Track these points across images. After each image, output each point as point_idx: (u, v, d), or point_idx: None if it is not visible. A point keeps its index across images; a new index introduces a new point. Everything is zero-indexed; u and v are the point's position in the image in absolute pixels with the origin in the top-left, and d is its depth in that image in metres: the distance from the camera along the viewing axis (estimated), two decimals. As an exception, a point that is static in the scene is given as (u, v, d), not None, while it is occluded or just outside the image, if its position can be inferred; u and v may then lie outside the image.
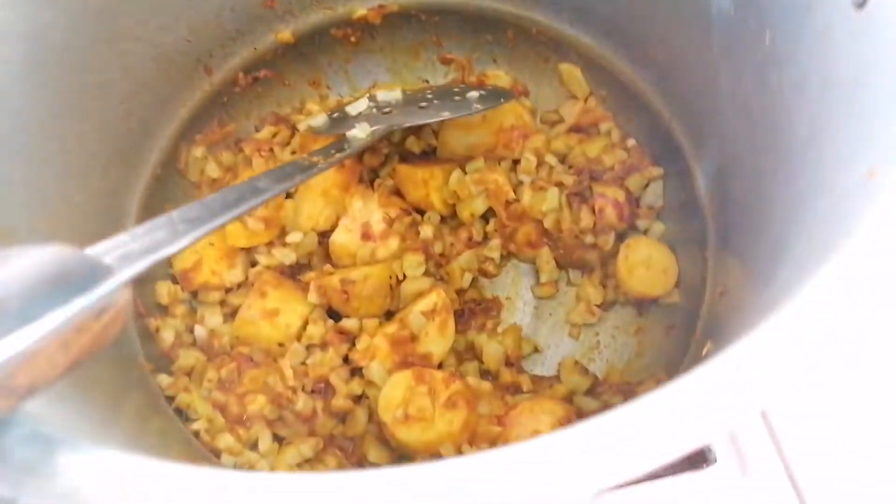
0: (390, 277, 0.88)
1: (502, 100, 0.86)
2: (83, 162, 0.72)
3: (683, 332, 0.82)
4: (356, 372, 0.83)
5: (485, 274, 0.95)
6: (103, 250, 0.38)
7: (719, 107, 0.73)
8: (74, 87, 0.69)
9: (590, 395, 0.82)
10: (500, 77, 1.01)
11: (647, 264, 0.86)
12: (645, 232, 0.91)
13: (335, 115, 0.89)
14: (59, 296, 0.30)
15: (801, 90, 0.55)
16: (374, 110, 0.85)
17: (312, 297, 0.85)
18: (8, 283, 0.28)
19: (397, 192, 0.96)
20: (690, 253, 0.87)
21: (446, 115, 0.82)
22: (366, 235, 0.90)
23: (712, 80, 0.73)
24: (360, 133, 0.78)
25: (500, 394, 0.82)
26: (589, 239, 0.90)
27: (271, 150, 0.96)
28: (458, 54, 1.03)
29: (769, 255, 0.60)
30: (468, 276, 0.92)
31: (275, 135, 0.98)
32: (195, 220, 0.43)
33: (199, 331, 0.83)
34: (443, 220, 0.95)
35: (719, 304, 0.76)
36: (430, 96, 0.87)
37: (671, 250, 0.88)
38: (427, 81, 1.04)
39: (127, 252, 0.38)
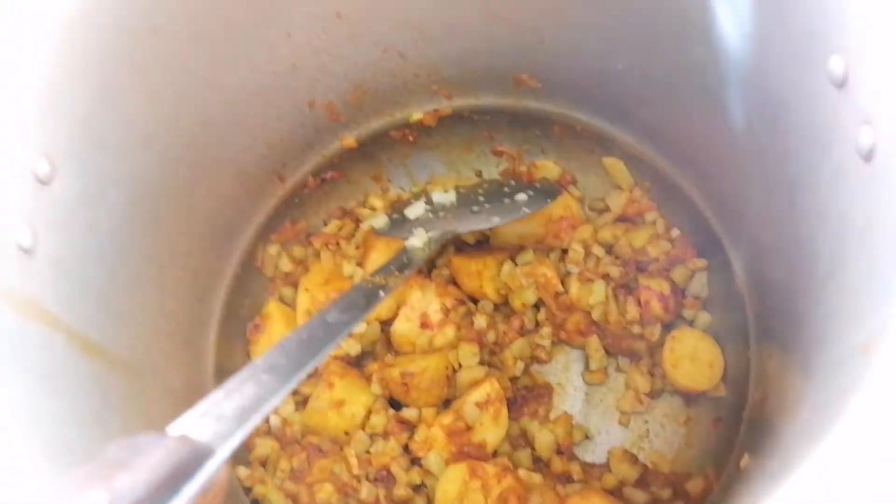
0: (447, 368, 0.94)
1: (549, 200, 0.92)
2: (176, 276, 0.82)
3: (730, 426, 0.84)
4: (415, 461, 0.89)
5: (537, 360, 1.00)
6: (201, 412, 0.45)
7: (752, 216, 0.77)
8: (169, 214, 0.79)
9: (639, 487, 0.85)
10: (548, 167, 1.07)
11: (692, 357, 0.89)
12: (691, 322, 0.94)
13: (395, 215, 0.97)
14: (174, 486, 0.37)
15: (823, 222, 0.59)
16: (430, 214, 0.92)
17: (375, 388, 0.92)
18: (137, 488, 0.35)
19: (453, 281, 1.02)
20: (735, 344, 0.89)
21: (497, 220, 0.89)
22: (424, 324, 0.97)
23: (744, 190, 0.77)
24: (417, 242, 0.85)
25: (551, 484, 0.86)
26: (636, 329, 0.94)
27: (337, 243, 1.05)
28: (508, 147, 1.09)
29: (809, 347, 0.63)
30: (520, 364, 0.97)
31: (341, 228, 1.07)
32: (278, 368, 0.51)
33: (274, 419, 0.91)
34: (496, 307, 1.01)
35: (763, 404, 0.78)
36: (482, 199, 0.94)
37: (717, 342, 0.91)
38: (480, 172, 1.11)
39: (220, 414, 0.45)
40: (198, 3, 0.71)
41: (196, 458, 0.40)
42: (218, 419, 0.44)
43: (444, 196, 0.95)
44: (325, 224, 1.07)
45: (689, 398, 0.92)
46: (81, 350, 0.60)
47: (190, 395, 0.82)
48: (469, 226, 0.89)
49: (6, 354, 0.53)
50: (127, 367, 0.68)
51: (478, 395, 0.90)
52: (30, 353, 0.56)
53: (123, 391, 0.67)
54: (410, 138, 1.07)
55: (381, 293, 0.69)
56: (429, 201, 0.95)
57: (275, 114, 0.89)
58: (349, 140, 1.02)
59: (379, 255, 0.99)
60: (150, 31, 0.68)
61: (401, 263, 0.78)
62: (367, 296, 0.67)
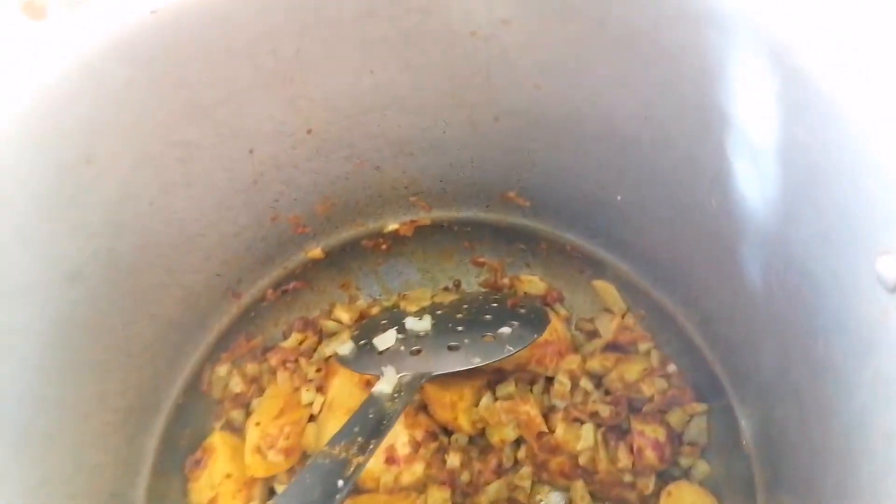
0: (414, 517, 0.83)
1: (535, 335, 0.83)
2: (103, 421, 0.70)
3: None
4: None
5: (515, 503, 0.90)
6: None
7: (766, 376, 0.69)
8: (99, 352, 0.68)
9: None
10: (533, 283, 0.99)
11: (690, 519, 0.80)
12: (688, 471, 0.85)
13: (362, 342, 0.87)
14: None
15: (860, 432, 0.50)
16: (402, 347, 0.83)
17: (332, 542, 0.81)
18: None
19: (425, 408, 0.92)
20: (737, 502, 0.80)
21: (478, 361, 0.79)
22: (390, 459, 0.86)
23: (758, 347, 0.69)
24: (386, 388, 0.75)
25: None
26: (627, 478, 0.84)
27: (296, 360, 0.94)
28: (490, 258, 1.01)
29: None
30: (497, 510, 0.87)
31: (301, 342, 0.96)
32: None
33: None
34: (471, 439, 0.91)
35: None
36: (460, 329, 0.84)
37: (716, 497, 0.82)
38: (459, 282, 1.03)
39: None
40: (143, 127, 0.61)
41: None
42: None
43: (418, 323, 0.85)
44: (285, 337, 0.97)
45: (686, 561, 0.82)
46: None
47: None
48: (447, 366, 0.79)
49: None
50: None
51: (448, 553, 0.79)
52: None
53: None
54: (384, 247, 0.97)
55: (341, 482, 0.58)
56: (400, 329, 0.85)
57: (232, 230, 0.79)
58: (315, 251, 0.92)
59: (342, 382, 0.89)
60: (84, 160, 0.58)
61: (367, 423, 0.67)
62: (324, 483, 0.57)
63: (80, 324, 0.65)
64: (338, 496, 0.56)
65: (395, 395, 0.73)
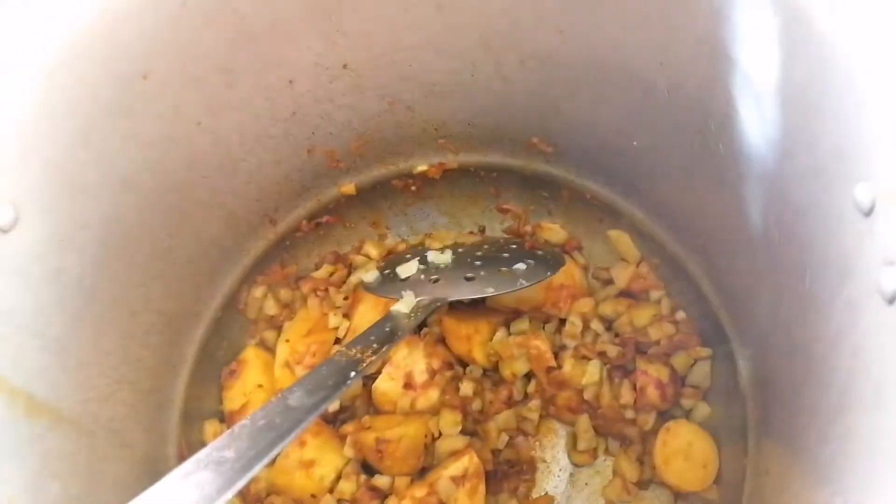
0: (425, 436, 0.89)
1: (549, 273, 0.87)
2: (148, 321, 0.78)
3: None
4: (382, 534, 0.84)
5: (522, 434, 0.95)
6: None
7: (761, 317, 0.72)
8: (145, 257, 0.76)
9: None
10: (554, 230, 1.03)
11: (686, 454, 0.84)
12: (688, 413, 0.89)
13: (386, 271, 0.93)
14: None
15: (835, 350, 0.54)
16: (423, 276, 0.88)
17: (348, 451, 0.88)
18: None
19: (442, 341, 0.97)
20: (733, 444, 0.84)
21: (491, 290, 0.84)
22: (408, 385, 0.93)
23: (755, 290, 0.72)
24: (403, 308, 0.81)
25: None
26: (629, 414, 0.89)
27: (326, 290, 1.01)
28: (514, 205, 1.05)
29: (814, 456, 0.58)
30: (504, 437, 0.92)
31: (332, 274, 1.03)
32: (223, 464, 0.46)
33: (239, 475, 0.86)
34: (484, 373, 0.96)
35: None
36: (478, 264, 0.89)
37: (714, 439, 0.85)
38: (483, 228, 1.07)
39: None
40: (195, 50, 0.67)
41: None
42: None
43: (439, 256, 0.91)
44: (317, 268, 1.03)
45: (679, 493, 0.87)
46: (23, 411, 0.56)
47: (149, 449, 0.78)
48: (461, 294, 0.84)
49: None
50: (75, 425, 0.64)
51: (455, 468, 0.86)
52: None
53: (67, 452, 0.62)
54: (413, 188, 1.03)
55: (353, 374, 0.64)
56: (423, 260, 0.91)
57: (271, 159, 0.85)
58: (348, 187, 0.98)
59: (367, 310, 0.95)
60: (140, 77, 0.65)
61: (382, 334, 0.73)
62: (337, 375, 0.63)
63: (130, 228, 0.72)
64: (348, 382, 0.62)
65: (411, 314, 0.79)
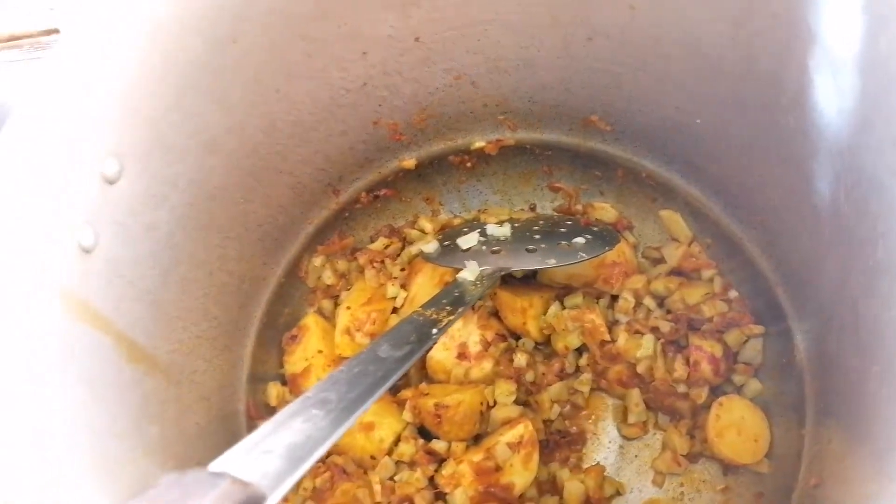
0: (481, 404, 0.91)
1: (607, 248, 0.89)
2: (223, 281, 0.81)
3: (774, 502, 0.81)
4: (440, 496, 0.86)
5: (573, 406, 0.97)
6: (248, 447, 0.43)
7: (825, 292, 0.74)
8: (224, 219, 0.79)
9: (669, 555, 0.82)
10: (605, 210, 1.05)
11: (738, 428, 0.86)
12: (740, 388, 0.91)
13: (446, 243, 0.95)
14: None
15: (911, 318, 0.55)
16: (484, 247, 0.90)
17: (407, 415, 0.90)
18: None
19: (496, 314, 1.00)
20: (786, 419, 0.86)
21: (552, 262, 0.86)
22: (462, 355, 0.95)
23: (819, 265, 0.74)
24: (469, 276, 0.83)
25: (576, 540, 0.83)
26: (681, 389, 0.91)
27: (382, 262, 1.03)
28: (566, 184, 1.07)
29: (878, 436, 0.59)
30: (556, 408, 0.95)
31: (387, 246, 1.05)
32: (328, 403, 0.49)
33: (301, 436, 0.89)
34: (537, 346, 0.99)
35: (817, 490, 0.74)
36: (537, 237, 0.91)
37: (765, 414, 0.87)
38: (534, 206, 1.09)
39: (269, 451, 0.43)
40: (279, 18, 0.70)
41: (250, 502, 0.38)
42: (267, 457, 0.42)
43: (498, 229, 0.93)
44: (372, 241, 1.06)
45: (729, 467, 0.89)
46: (127, 355, 0.59)
47: (223, 403, 0.81)
48: (524, 264, 0.86)
49: (58, 358, 0.52)
50: (166, 374, 0.67)
51: (511, 435, 0.88)
52: (79, 358, 0.55)
53: (161, 398, 0.66)
54: (468, 164, 1.05)
55: (435, 331, 0.66)
56: (482, 233, 0.93)
57: (339, 129, 0.88)
58: (408, 161, 1.00)
59: (425, 280, 0.98)
60: (231, 40, 0.67)
61: (453, 298, 0.76)
62: (419, 331, 0.65)
63: (212, 190, 0.75)
64: (432, 339, 0.65)
65: (477, 282, 0.82)
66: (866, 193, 0.62)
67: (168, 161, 0.68)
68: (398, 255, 1.05)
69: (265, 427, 0.46)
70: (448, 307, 0.72)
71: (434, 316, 0.70)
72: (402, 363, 0.58)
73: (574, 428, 0.96)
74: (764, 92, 0.71)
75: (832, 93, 0.63)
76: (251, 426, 0.88)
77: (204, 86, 0.69)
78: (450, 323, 0.69)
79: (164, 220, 0.68)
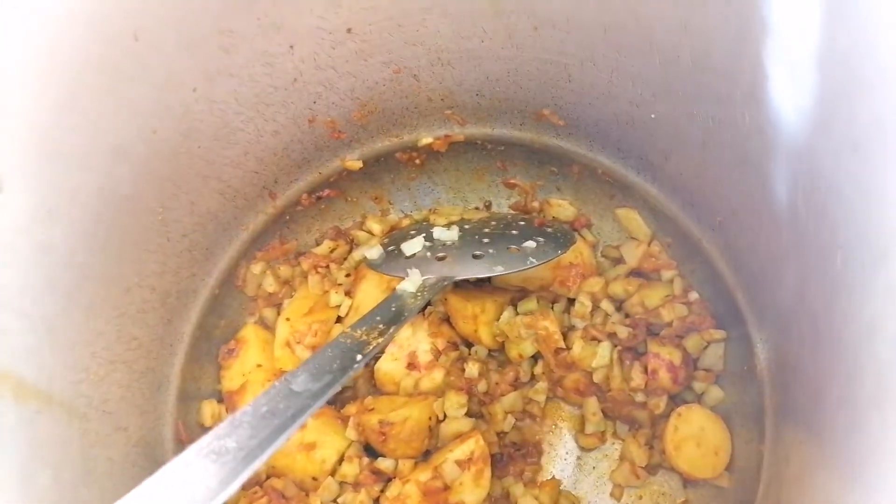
0: (430, 418, 0.86)
1: (560, 252, 0.84)
2: (142, 298, 0.75)
3: (733, 520, 0.77)
4: (385, 518, 0.82)
5: (528, 416, 0.93)
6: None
7: (784, 300, 0.69)
8: (140, 231, 0.72)
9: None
10: (563, 207, 0.99)
11: (697, 440, 0.81)
12: (701, 396, 0.87)
13: (391, 248, 0.89)
14: None
15: (872, 338, 0.51)
16: (429, 254, 0.85)
17: (350, 433, 0.85)
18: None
19: (447, 320, 0.94)
20: (747, 430, 0.82)
21: (500, 269, 0.81)
22: (412, 365, 0.90)
23: (779, 271, 0.69)
24: (409, 287, 0.78)
25: (529, 561, 0.79)
26: (639, 398, 0.86)
27: (327, 266, 0.97)
28: (521, 180, 1.01)
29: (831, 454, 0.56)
30: (510, 419, 0.90)
31: (333, 250, 0.99)
32: (225, 454, 0.43)
33: (237, 457, 0.84)
34: (490, 353, 0.94)
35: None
36: (486, 241, 0.86)
37: (727, 425, 0.83)
38: (489, 203, 1.04)
39: None
40: (189, 11, 0.63)
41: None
42: None
43: (445, 233, 0.87)
44: (317, 244, 1.00)
45: (689, 480, 0.85)
46: (11, 395, 0.53)
47: (145, 431, 0.75)
48: (469, 272, 0.81)
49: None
50: (67, 408, 0.60)
51: (460, 451, 0.83)
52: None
53: (58, 437, 0.59)
54: (417, 161, 0.99)
55: (359, 357, 0.61)
56: (428, 237, 0.87)
57: (270, 128, 0.81)
58: (353, 161, 0.94)
59: (370, 287, 0.92)
60: (131, 37, 0.61)
61: (388, 314, 0.70)
62: (342, 358, 0.60)
63: (123, 200, 0.69)
64: (355, 366, 0.59)
65: (418, 294, 0.76)
66: (825, 200, 0.57)
67: (65, 171, 0.61)
68: (345, 259, 0.99)
69: (143, 486, 0.40)
70: (381, 325, 0.67)
71: (364, 337, 0.64)
72: (318, 397, 0.53)
73: (530, 439, 0.92)
74: (718, 86, 0.66)
75: (789, 89, 0.58)
76: (180, 451, 0.82)
77: (103, 87, 0.62)
78: (378, 346, 0.64)
79: (60, 238, 0.61)
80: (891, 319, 0.48)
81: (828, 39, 0.52)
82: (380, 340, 0.64)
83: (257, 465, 0.45)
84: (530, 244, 0.84)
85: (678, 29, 0.65)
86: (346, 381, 0.61)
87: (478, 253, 0.84)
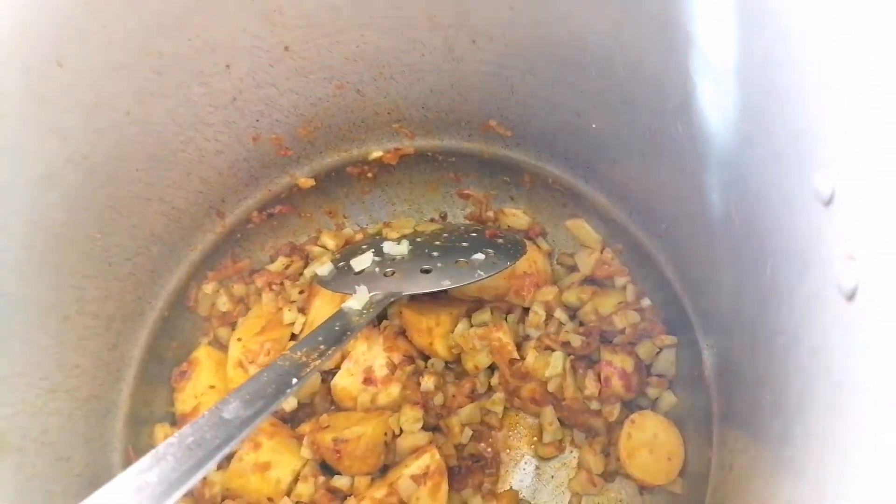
0: (385, 434, 0.86)
1: (508, 263, 0.84)
2: (83, 325, 0.74)
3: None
4: (341, 537, 0.81)
5: (487, 427, 0.92)
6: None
7: (725, 307, 0.69)
8: (77, 258, 0.71)
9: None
10: (517, 216, 0.99)
11: (651, 447, 0.82)
12: (654, 402, 0.87)
13: (341, 264, 0.89)
14: None
15: (796, 347, 0.51)
16: (378, 269, 0.84)
17: (305, 451, 0.84)
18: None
19: (404, 334, 0.94)
20: (699, 435, 0.82)
21: (447, 283, 0.81)
22: (368, 380, 0.89)
23: (717, 278, 0.69)
24: (356, 304, 0.77)
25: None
26: (594, 406, 0.86)
27: (281, 283, 0.97)
28: (475, 191, 1.01)
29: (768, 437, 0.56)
30: (468, 432, 0.90)
31: (288, 266, 0.98)
32: (146, 489, 0.43)
33: (190, 481, 0.83)
34: (447, 365, 0.93)
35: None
36: (436, 255, 0.86)
37: (680, 430, 0.83)
38: (445, 214, 1.04)
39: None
40: (115, 34, 0.62)
41: None
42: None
43: (395, 247, 0.87)
44: (272, 261, 0.99)
45: (645, 486, 0.85)
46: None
47: (90, 459, 0.74)
48: (416, 287, 0.81)
49: None
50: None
51: (416, 466, 0.83)
52: None
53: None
54: (370, 175, 0.98)
55: (295, 381, 0.60)
56: (378, 251, 0.87)
57: (212, 148, 0.80)
58: (305, 179, 0.93)
59: (323, 304, 0.92)
60: (55, 63, 0.60)
61: (331, 335, 0.70)
62: (278, 382, 0.59)
63: (58, 228, 0.68)
64: (288, 390, 0.58)
65: (364, 311, 0.75)
66: (753, 209, 0.58)
67: (-10, 203, 0.60)
68: (300, 275, 0.98)
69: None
70: (322, 346, 0.66)
71: (303, 359, 0.64)
72: (248, 424, 0.52)
73: (489, 450, 0.91)
74: (651, 97, 0.66)
75: (715, 101, 0.58)
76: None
77: (30, 116, 0.61)
78: (316, 368, 0.63)
79: (-11, 270, 0.60)
80: (813, 328, 0.48)
81: (745, 53, 0.52)
82: (319, 362, 0.63)
83: (177, 496, 0.44)
84: (479, 256, 0.84)
85: (610, 42, 0.65)
86: (291, 397, 0.60)
87: (426, 267, 0.83)
